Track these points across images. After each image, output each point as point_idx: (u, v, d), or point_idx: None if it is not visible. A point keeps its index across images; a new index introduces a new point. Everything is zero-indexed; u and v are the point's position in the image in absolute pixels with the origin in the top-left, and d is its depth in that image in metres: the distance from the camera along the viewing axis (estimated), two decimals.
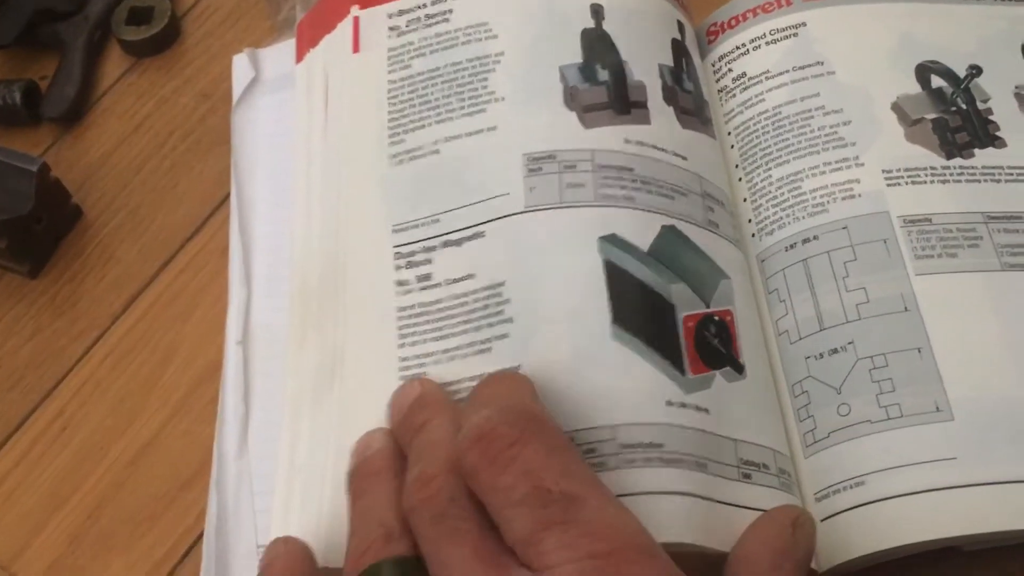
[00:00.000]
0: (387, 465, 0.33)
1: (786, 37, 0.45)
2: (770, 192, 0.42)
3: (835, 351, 0.38)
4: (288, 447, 0.38)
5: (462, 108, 0.41)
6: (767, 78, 0.44)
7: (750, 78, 0.45)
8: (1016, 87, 0.44)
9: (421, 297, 0.38)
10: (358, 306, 0.39)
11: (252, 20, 0.55)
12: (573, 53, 0.42)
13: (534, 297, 0.37)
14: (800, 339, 0.39)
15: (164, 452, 0.43)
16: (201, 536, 0.40)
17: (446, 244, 0.39)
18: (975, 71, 0.44)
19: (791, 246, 0.40)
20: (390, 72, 0.43)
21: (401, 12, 0.45)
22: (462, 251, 0.38)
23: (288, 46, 0.49)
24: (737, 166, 0.44)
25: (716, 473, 0.34)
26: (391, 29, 0.45)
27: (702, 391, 0.36)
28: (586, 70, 0.42)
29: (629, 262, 0.37)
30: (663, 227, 0.39)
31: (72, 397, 0.45)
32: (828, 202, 0.41)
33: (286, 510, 0.37)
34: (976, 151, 0.42)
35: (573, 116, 0.40)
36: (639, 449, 0.33)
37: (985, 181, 0.41)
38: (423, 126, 0.41)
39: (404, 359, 0.37)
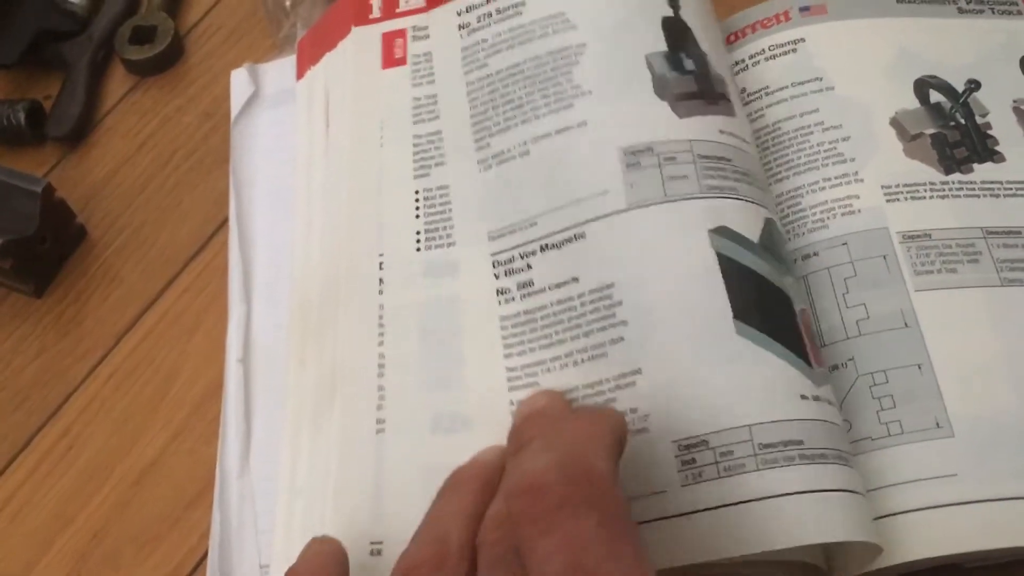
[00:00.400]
0: (478, 477, 0.31)
1: (785, 53, 0.45)
2: None
3: (835, 368, 0.38)
4: (288, 467, 0.39)
5: (547, 105, 0.40)
6: (766, 94, 0.44)
7: (749, 94, 0.45)
8: (1015, 101, 0.44)
9: (525, 305, 0.37)
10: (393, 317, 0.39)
11: (254, 39, 0.55)
12: (656, 41, 0.41)
13: (647, 297, 0.35)
14: None
15: (168, 472, 0.43)
16: (205, 556, 0.40)
17: (544, 248, 0.38)
18: (973, 85, 0.44)
19: (791, 262, 0.41)
20: (467, 73, 0.43)
21: (469, 9, 0.44)
22: (563, 254, 0.37)
23: (288, 62, 0.50)
24: None
25: (853, 466, 0.34)
26: (461, 27, 0.44)
27: (827, 384, 0.35)
28: (672, 59, 0.40)
29: (743, 254, 0.36)
30: (766, 219, 0.38)
31: (77, 417, 0.45)
32: (828, 218, 0.41)
33: (288, 530, 0.37)
34: (975, 166, 0.42)
35: (666, 106, 0.39)
36: (779, 448, 0.32)
37: (984, 196, 0.41)
38: (508, 128, 0.41)
39: (511, 369, 0.36)
